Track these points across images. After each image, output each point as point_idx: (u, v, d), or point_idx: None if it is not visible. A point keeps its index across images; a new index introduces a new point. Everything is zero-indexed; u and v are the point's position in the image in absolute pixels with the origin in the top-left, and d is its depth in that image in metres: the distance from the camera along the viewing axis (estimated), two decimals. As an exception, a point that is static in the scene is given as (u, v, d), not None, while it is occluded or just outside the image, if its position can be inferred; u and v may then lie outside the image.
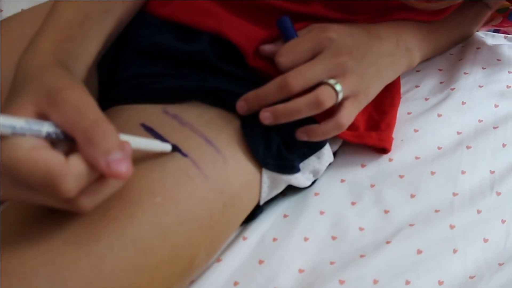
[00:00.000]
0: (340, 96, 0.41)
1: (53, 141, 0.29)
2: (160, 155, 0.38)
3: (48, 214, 0.33)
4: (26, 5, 0.63)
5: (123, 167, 0.28)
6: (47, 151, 0.28)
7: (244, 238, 0.45)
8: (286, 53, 0.42)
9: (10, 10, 0.64)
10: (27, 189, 0.28)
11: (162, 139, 0.39)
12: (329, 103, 0.40)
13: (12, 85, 0.35)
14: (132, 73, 0.45)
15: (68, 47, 0.38)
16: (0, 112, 0.30)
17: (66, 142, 0.30)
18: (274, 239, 0.45)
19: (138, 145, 0.34)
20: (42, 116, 0.30)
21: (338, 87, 0.41)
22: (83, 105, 0.30)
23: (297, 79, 0.40)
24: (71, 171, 0.27)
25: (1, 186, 0.28)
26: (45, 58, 0.36)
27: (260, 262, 0.44)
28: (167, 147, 0.37)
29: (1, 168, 0.27)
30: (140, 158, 0.37)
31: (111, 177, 0.29)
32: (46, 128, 0.29)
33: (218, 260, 0.44)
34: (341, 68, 0.41)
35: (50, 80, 0.32)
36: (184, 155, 0.38)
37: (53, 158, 0.27)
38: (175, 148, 0.38)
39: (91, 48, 0.40)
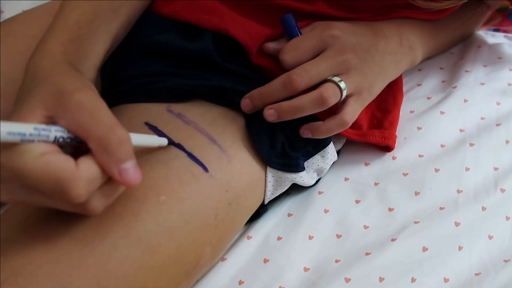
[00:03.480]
0: (344, 93, 0.41)
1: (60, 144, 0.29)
2: (163, 153, 0.38)
3: (52, 213, 0.33)
4: (26, 6, 0.63)
5: (135, 175, 0.29)
6: (56, 157, 0.27)
7: (249, 237, 0.45)
8: (290, 51, 0.42)
9: (10, 11, 0.64)
10: (38, 194, 0.28)
11: (168, 138, 0.38)
12: (333, 100, 0.40)
13: (21, 87, 0.34)
14: (135, 72, 0.45)
15: (77, 47, 0.37)
16: (9, 114, 0.30)
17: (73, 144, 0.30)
18: (279, 238, 0.45)
19: (136, 142, 0.34)
20: (52, 119, 0.29)
21: (342, 85, 0.40)
22: (97, 109, 0.29)
23: (302, 76, 0.40)
24: (81, 176, 0.27)
25: (12, 191, 0.28)
26: (55, 59, 0.35)
27: (265, 261, 0.43)
28: (163, 141, 0.38)
29: (12, 174, 0.27)
30: (144, 157, 0.37)
31: (123, 184, 0.29)
32: (54, 133, 0.28)
33: (223, 259, 0.43)
34: (345, 65, 0.41)
35: (61, 83, 0.31)
36: (189, 154, 0.38)
37: (63, 164, 0.27)
38: (180, 148, 0.38)
39: (99, 48, 0.40)
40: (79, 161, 0.28)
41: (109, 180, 0.30)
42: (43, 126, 0.28)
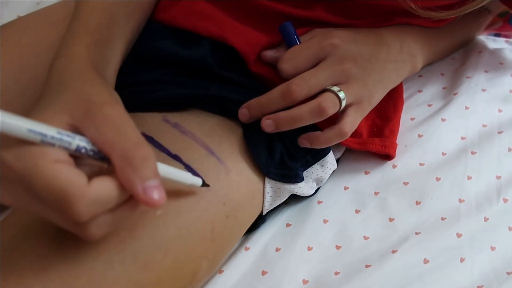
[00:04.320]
0: (344, 103, 0.40)
1: (77, 160, 0.28)
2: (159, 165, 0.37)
3: (47, 228, 0.32)
4: (22, 12, 0.62)
5: (160, 195, 0.27)
6: (69, 168, 0.26)
7: (246, 249, 0.44)
8: (289, 60, 0.41)
9: (6, 17, 0.63)
10: (40, 203, 0.27)
11: (165, 150, 0.37)
12: (332, 110, 0.39)
13: (46, 88, 0.33)
14: (130, 80, 0.44)
15: (100, 51, 0.37)
16: (28, 113, 0.28)
17: (91, 164, 0.29)
18: (277, 249, 0.44)
19: (167, 175, 0.32)
20: (75, 129, 0.28)
21: (341, 95, 0.40)
22: (124, 124, 0.28)
23: (301, 86, 0.39)
24: (89, 195, 0.26)
25: (14, 193, 0.27)
26: (82, 64, 0.34)
27: (263, 273, 0.43)
28: (197, 181, 0.35)
29: (18, 175, 0.26)
30: None
31: (145, 204, 0.27)
32: (78, 141, 0.27)
33: (220, 271, 0.43)
34: (345, 75, 0.41)
35: (89, 93, 0.30)
36: (186, 165, 0.37)
37: (74, 176, 0.26)
38: (177, 160, 0.37)
39: (117, 53, 0.39)
40: (93, 180, 0.26)
41: (116, 208, 0.28)
42: (67, 132, 0.27)
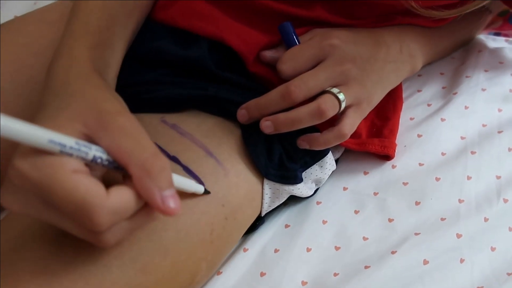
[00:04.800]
0: (343, 105, 0.40)
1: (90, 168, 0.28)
2: None
3: (46, 231, 0.32)
4: (19, 12, 0.62)
5: (177, 203, 0.28)
6: (88, 178, 0.26)
7: (245, 250, 0.44)
8: (288, 60, 0.41)
9: (3, 17, 0.63)
10: (54, 212, 0.27)
11: (163, 151, 0.37)
12: (331, 112, 0.39)
13: (48, 89, 0.32)
14: (128, 80, 0.44)
15: (101, 54, 0.36)
16: (37, 121, 0.28)
17: (103, 171, 0.29)
18: (276, 250, 0.44)
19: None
20: (88, 138, 0.28)
21: (341, 96, 0.40)
22: (140, 134, 0.29)
23: (300, 88, 0.39)
24: (109, 205, 0.26)
25: (26, 201, 0.27)
26: (85, 67, 0.34)
27: (262, 274, 0.43)
28: (199, 188, 0.36)
29: (32, 185, 0.25)
30: None
31: (162, 213, 0.27)
32: (94, 152, 0.27)
33: (218, 272, 0.42)
34: (345, 76, 0.40)
35: (100, 100, 0.30)
36: (185, 167, 0.37)
37: (93, 187, 0.26)
38: (176, 161, 0.37)
39: (118, 55, 0.39)
40: (111, 190, 0.27)
41: (132, 216, 0.28)
42: (84, 142, 0.27)
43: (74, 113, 0.28)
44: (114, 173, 0.29)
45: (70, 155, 0.26)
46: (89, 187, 0.25)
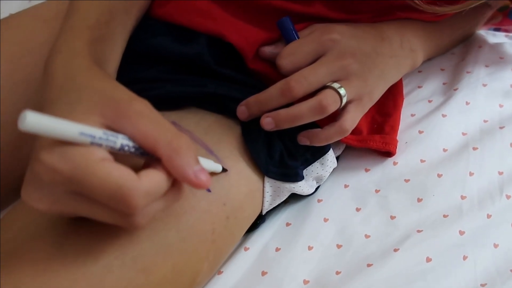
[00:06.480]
0: (344, 100, 0.39)
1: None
2: None
3: (46, 232, 0.32)
4: (14, 10, 0.61)
5: (207, 177, 0.29)
6: (117, 164, 0.26)
7: (246, 249, 0.44)
8: (288, 56, 0.40)
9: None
10: (86, 201, 0.27)
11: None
12: (333, 108, 0.38)
13: (50, 83, 0.32)
14: (126, 78, 0.43)
15: (101, 49, 0.36)
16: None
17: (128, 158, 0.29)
18: (277, 249, 0.44)
19: None
20: (108, 128, 0.28)
21: (342, 91, 0.39)
22: (158, 117, 0.29)
23: (300, 83, 0.38)
24: (142, 187, 0.26)
25: (55, 197, 0.27)
26: (84, 59, 0.34)
27: (263, 273, 0.42)
28: (218, 167, 0.37)
29: (62, 178, 0.25)
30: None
31: (197, 186, 0.28)
32: (121, 140, 0.28)
33: (219, 272, 0.42)
34: (345, 71, 0.40)
35: (111, 89, 0.30)
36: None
37: (125, 172, 0.26)
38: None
39: (117, 50, 0.39)
40: (141, 173, 0.27)
41: (161, 196, 0.29)
42: (111, 132, 0.27)
43: (89, 105, 0.28)
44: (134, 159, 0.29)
45: (100, 145, 0.26)
46: (122, 172, 0.26)
